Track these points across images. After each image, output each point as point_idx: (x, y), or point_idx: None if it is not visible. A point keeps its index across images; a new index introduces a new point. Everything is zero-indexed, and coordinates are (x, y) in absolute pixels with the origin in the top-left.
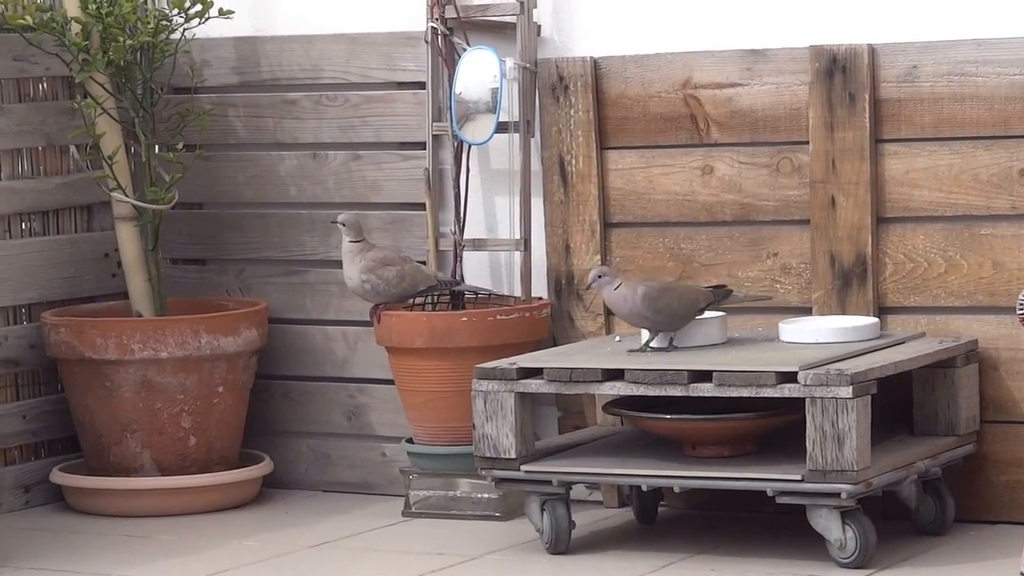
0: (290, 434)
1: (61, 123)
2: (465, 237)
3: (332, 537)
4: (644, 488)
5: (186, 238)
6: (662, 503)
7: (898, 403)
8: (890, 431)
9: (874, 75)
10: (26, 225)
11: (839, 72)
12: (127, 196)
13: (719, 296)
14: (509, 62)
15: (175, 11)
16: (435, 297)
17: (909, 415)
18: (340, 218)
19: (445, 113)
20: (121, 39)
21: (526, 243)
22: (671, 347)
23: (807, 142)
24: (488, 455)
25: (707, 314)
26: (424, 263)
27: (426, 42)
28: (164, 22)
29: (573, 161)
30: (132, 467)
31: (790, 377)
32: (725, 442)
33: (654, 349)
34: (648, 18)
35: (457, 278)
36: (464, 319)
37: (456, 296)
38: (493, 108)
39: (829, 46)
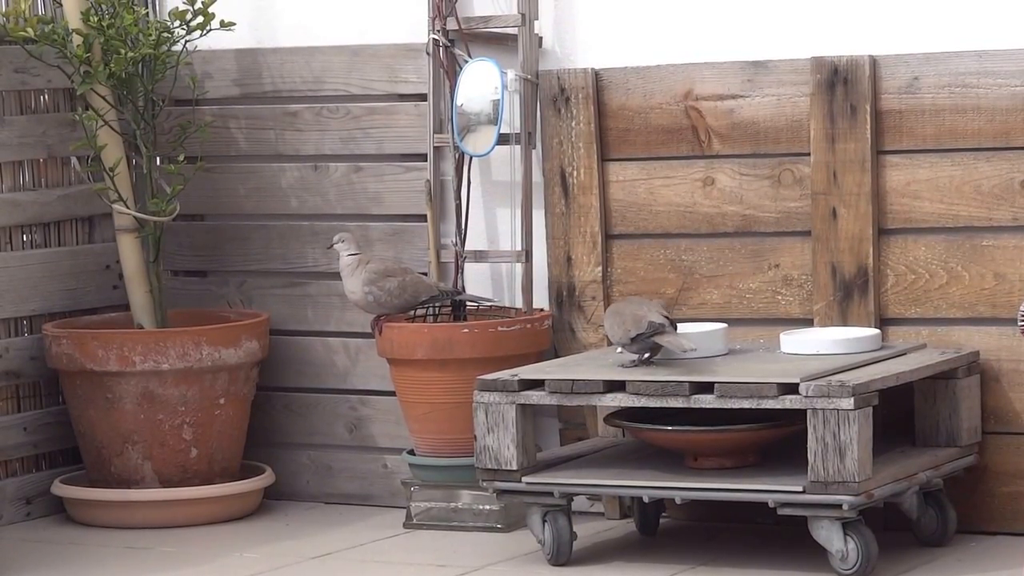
0: (291, 446)
1: (62, 135)
2: (466, 249)
3: (333, 549)
4: (646, 499)
5: (187, 250)
6: (664, 514)
7: (900, 414)
8: (891, 442)
9: (875, 86)
10: (27, 237)
11: (840, 83)
12: (128, 208)
13: (651, 329)
14: (510, 74)
15: (176, 23)
16: (436, 308)
17: (911, 426)
18: (337, 237)
19: (447, 125)
20: (123, 51)
21: (527, 254)
22: (648, 360)
23: (808, 153)
24: (489, 467)
25: (709, 326)
26: (426, 274)
27: (428, 54)
28: (165, 34)
29: (574, 173)
30: (133, 479)
31: (791, 389)
32: (727, 454)
33: (642, 362)
34: (649, 30)
35: (458, 288)
36: (465, 330)
37: (457, 307)
38: (494, 120)
39: (830, 57)
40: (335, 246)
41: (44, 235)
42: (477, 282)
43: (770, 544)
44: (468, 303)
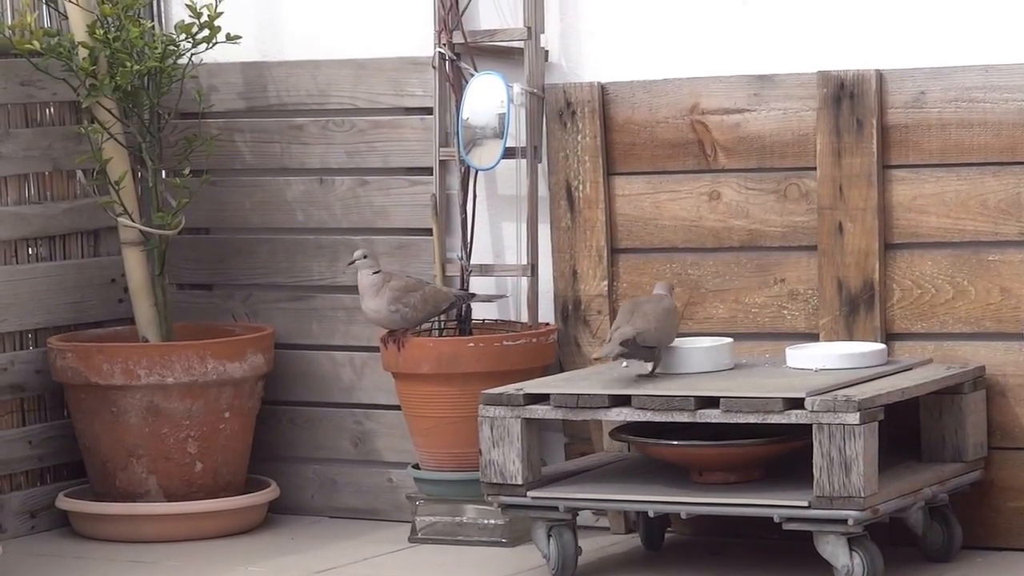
0: (296, 460)
1: (68, 148)
2: (472, 262)
3: (338, 563)
4: (651, 514)
5: (193, 263)
6: (669, 529)
7: (905, 429)
8: (897, 457)
9: (882, 101)
10: (32, 250)
11: (847, 98)
12: (134, 221)
13: (635, 347)
14: (516, 87)
15: (182, 36)
16: (442, 323)
17: (916, 441)
18: (358, 253)
19: (452, 138)
20: (128, 64)
21: (533, 268)
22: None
23: (814, 168)
24: (495, 481)
25: (714, 340)
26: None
27: (433, 67)
28: (171, 47)
29: (580, 187)
30: (138, 492)
31: (797, 403)
32: (732, 468)
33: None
34: (656, 44)
35: (467, 291)
36: (471, 345)
37: (463, 321)
38: (500, 133)
39: (837, 72)
40: (356, 263)
41: (49, 248)
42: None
43: (775, 559)
44: (483, 303)
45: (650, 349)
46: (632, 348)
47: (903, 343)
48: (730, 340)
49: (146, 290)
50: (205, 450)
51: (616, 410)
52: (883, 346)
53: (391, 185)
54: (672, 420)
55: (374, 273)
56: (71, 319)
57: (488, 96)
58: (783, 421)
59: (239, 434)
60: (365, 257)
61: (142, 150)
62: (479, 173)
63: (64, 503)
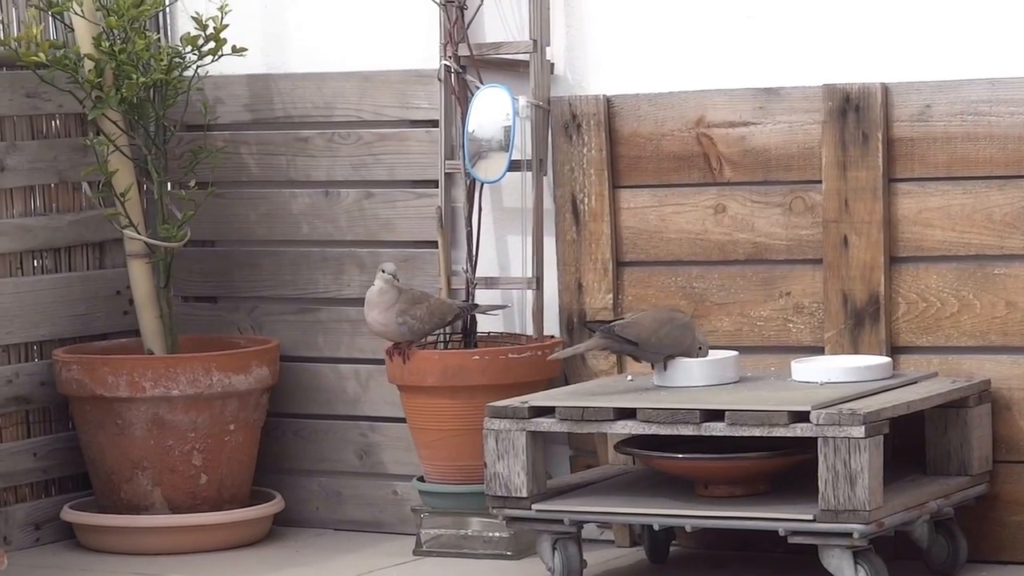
0: (301, 472)
1: (73, 160)
2: (477, 275)
3: None
4: (656, 527)
5: (198, 276)
6: (674, 542)
7: (910, 443)
8: (902, 471)
9: (887, 114)
10: (38, 262)
11: (852, 111)
12: (139, 233)
13: (611, 334)
14: (522, 100)
15: (188, 48)
16: (447, 335)
17: (921, 455)
18: (391, 267)
19: (458, 151)
20: (134, 76)
21: (538, 281)
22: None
23: (820, 181)
24: (499, 494)
25: (719, 353)
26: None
27: (439, 80)
28: (177, 59)
29: (585, 200)
30: (143, 505)
31: (802, 416)
32: (737, 481)
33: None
34: (661, 57)
35: (470, 302)
36: (476, 358)
37: (468, 334)
38: (506, 146)
39: (842, 85)
40: (391, 276)
41: (55, 260)
42: None
43: (780, 573)
44: (487, 314)
45: (632, 344)
46: (609, 336)
47: (908, 356)
48: (735, 353)
49: (151, 302)
50: (210, 462)
51: (621, 423)
52: (888, 359)
53: (396, 198)
54: (677, 433)
55: (395, 286)
56: (76, 331)
57: (494, 109)
58: (788, 434)
59: (244, 446)
60: (396, 272)
61: (148, 162)
62: (484, 186)
63: (69, 515)
